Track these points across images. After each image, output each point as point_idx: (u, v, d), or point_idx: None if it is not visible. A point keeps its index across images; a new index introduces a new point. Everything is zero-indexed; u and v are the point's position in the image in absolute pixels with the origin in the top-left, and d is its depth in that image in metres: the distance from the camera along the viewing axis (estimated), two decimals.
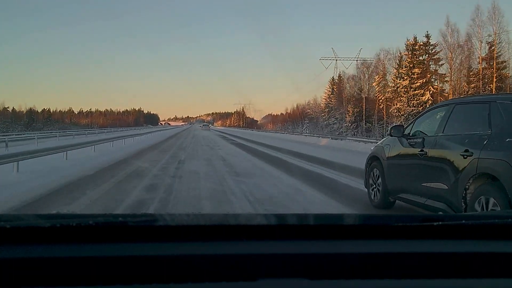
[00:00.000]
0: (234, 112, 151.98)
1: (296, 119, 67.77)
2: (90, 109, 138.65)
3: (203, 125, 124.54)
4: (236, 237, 1.00)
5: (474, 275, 0.97)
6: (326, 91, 55.81)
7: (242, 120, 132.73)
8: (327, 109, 53.09)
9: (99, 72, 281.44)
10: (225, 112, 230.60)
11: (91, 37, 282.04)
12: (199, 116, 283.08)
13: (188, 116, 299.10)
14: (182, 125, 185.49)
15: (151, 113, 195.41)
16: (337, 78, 53.63)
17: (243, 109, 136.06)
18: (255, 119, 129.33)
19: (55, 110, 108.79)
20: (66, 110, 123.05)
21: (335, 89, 52.74)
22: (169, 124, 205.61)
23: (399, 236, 1.06)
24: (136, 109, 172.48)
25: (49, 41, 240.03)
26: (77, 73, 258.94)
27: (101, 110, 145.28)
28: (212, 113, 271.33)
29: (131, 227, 1.01)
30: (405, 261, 0.97)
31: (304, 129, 53.77)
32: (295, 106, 75.26)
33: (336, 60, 76.38)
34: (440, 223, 1.06)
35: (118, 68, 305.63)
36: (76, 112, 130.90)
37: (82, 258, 0.90)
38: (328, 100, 53.70)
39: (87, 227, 0.96)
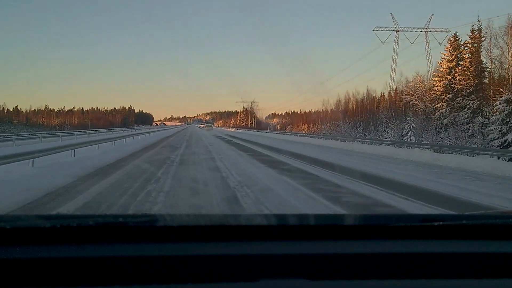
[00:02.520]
0: (237, 111, 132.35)
1: (358, 116, 43.27)
2: (73, 108, 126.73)
3: (205, 125, 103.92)
4: (236, 237, 0.99)
5: (475, 275, 0.95)
6: (442, 59, 30.73)
7: (250, 119, 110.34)
8: (449, 95, 28.74)
9: (91, 69, 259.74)
10: (225, 111, 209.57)
11: (81, 32, 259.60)
12: (197, 116, 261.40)
13: (185, 116, 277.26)
14: (175, 126, 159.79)
15: (144, 112, 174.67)
16: (469, 36, 28.80)
17: (251, 106, 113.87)
18: (258, 118, 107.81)
19: (31, 109, 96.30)
20: (43, 108, 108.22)
21: (466, 58, 28.41)
22: (164, 124, 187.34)
23: (400, 236, 1.04)
24: (126, 108, 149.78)
25: (31, 34, 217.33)
26: (70, 71, 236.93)
27: (83, 109, 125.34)
28: (211, 112, 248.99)
29: (132, 227, 1.00)
30: (405, 261, 0.96)
31: (408, 134, 29.11)
32: (345, 97, 50.98)
33: (397, 31, 53.89)
34: (440, 223, 1.05)
35: (112, 65, 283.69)
36: (56, 111, 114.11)
37: (82, 259, 0.89)
38: (450, 79, 29.13)
39: (87, 227, 0.96)
